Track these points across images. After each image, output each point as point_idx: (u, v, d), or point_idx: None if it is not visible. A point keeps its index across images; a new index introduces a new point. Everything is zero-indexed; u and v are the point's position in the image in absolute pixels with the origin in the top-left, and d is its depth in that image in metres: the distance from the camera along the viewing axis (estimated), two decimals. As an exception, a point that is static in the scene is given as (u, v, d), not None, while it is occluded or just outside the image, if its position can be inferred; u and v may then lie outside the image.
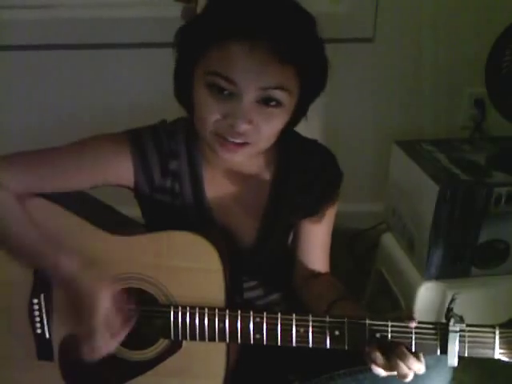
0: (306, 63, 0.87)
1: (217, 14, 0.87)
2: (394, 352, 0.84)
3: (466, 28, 1.80)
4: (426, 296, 1.42)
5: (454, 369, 0.98)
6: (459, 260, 1.41)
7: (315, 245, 1.09)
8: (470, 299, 1.37)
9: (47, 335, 0.97)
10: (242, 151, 0.90)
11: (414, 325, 0.85)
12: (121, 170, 0.99)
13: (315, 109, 1.95)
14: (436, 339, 0.85)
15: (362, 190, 1.98)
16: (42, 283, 0.96)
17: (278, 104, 0.87)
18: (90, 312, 0.87)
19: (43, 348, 0.98)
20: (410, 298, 1.46)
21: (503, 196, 1.33)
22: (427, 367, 0.94)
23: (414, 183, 1.45)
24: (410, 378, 0.84)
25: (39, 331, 0.97)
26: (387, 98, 1.89)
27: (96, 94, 1.79)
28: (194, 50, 0.88)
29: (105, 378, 0.97)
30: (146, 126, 1.02)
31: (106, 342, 0.88)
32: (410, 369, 0.83)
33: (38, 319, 0.97)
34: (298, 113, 0.96)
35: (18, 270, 0.96)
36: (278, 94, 0.86)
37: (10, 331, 0.99)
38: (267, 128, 0.89)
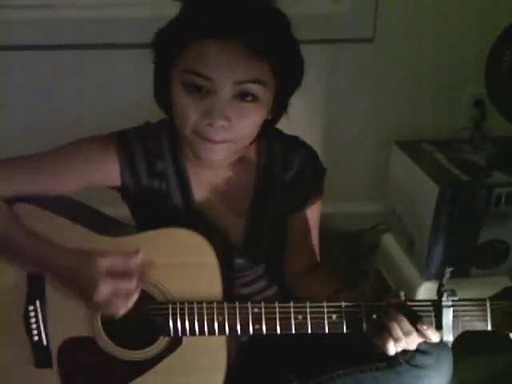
0: (281, 60, 0.89)
1: (192, 14, 0.88)
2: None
3: (466, 28, 1.80)
4: (426, 296, 1.42)
5: (455, 369, 0.99)
6: (459, 260, 1.41)
7: (303, 239, 1.10)
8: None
9: (45, 342, 0.96)
10: (221, 149, 0.92)
11: (401, 298, 0.88)
12: (107, 172, 1.00)
13: (315, 109, 1.96)
14: (430, 315, 0.88)
15: (362, 190, 1.98)
16: (37, 289, 0.96)
17: (254, 98, 0.89)
18: (93, 288, 0.86)
19: (41, 355, 0.97)
20: (410, 298, 1.45)
21: (503, 196, 1.33)
22: (427, 367, 0.95)
23: (414, 184, 1.45)
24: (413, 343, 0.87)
25: (36, 338, 0.96)
26: (387, 98, 1.89)
27: (96, 94, 1.79)
28: (171, 50, 0.90)
29: (106, 380, 0.97)
30: (131, 128, 1.03)
31: (124, 301, 0.88)
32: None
33: (34, 326, 0.96)
34: (277, 109, 0.97)
35: (11, 278, 0.96)
36: (254, 88, 0.88)
37: (7, 340, 0.97)
38: (244, 124, 0.90)
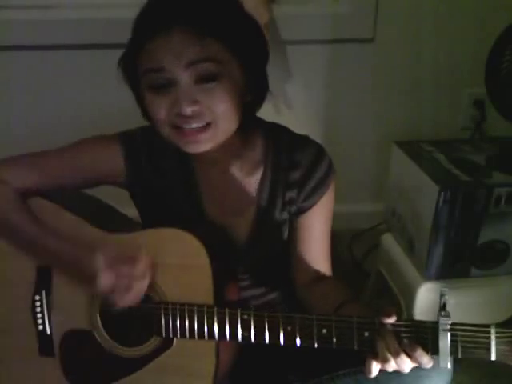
0: (227, 35, 0.89)
1: (136, 23, 0.93)
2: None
3: (466, 28, 1.80)
4: (426, 296, 1.42)
5: (454, 369, 0.98)
6: (459, 260, 1.41)
7: (314, 243, 1.08)
8: (469, 300, 1.38)
9: (48, 331, 0.99)
10: (203, 137, 0.91)
11: (391, 321, 0.83)
12: (113, 171, 1.02)
13: (315, 108, 1.96)
14: (426, 339, 0.82)
15: (362, 190, 1.98)
16: (44, 280, 0.98)
17: (216, 78, 0.89)
18: (94, 278, 0.88)
19: (44, 344, 0.99)
20: (410, 298, 1.46)
21: (503, 196, 1.33)
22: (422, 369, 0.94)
23: (414, 184, 1.45)
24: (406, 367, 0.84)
25: (41, 327, 0.99)
26: (387, 98, 1.89)
27: (96, 94, 1.79)
28: (131, 64, 0.93)
29: (103, 374, 0.98)
30: (141, 127, 1.04)
31: (126, 292, 0.89)
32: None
33: (39, 315, 0.99)
34: (256, 88, 0.96)
35: (21, 268, 0.99)
36: (210, 67, 0.88)
37: (12, 327, 1.00)
38: (217, 104, 0.90)
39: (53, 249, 0.94)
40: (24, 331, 0.99)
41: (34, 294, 0.98)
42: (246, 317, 0.89)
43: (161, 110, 0.91)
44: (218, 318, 0.90)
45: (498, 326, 0.80)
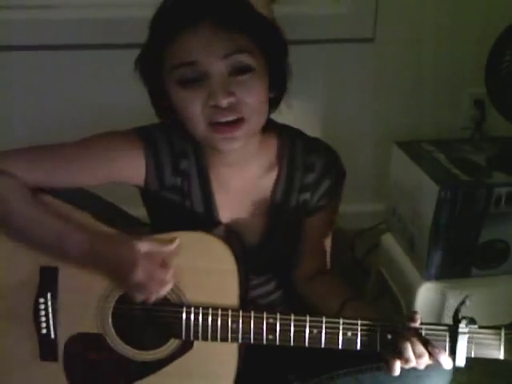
0: (256, 31, 0.90)
1: (161, 20, 0.91)
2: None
3: (466, 28, 1.80)
4: (426, 296, 1.42)
5: (454, 369, 0.98)
6: (459, 260, 1.41)
7: (317, 241, 1.09)
8: (470, 299, 1.37)
9: (52, 335, 0.96)
10: (238, 132, 0.90)
11: (417, 324, 0.87)
12: (133, 169, 0.99)
13: (315, 108, 1.95)
14: (445, 340, 0.87)
15: (362, 190, 1.98)
16: (49, 282, 0.95)
17: (249, 69, 0.89)
18: (132, 267, 0.87)
19: (48, 348, 0.97)
20: (410, 298, 1.46)
21: (503, 196, 1.33)
22: (427, 367, 0.95)
23: (414, 183, 1.45)
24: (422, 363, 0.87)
25: (44, 331, 0.96)
26: (387, 98, 1.89)
27: (96, 94, 1.79)
28: (155, 59, 0.92)
29: (112, 378, 0.97)
30: (157, 124, 1.02)
31: (158, 287, 0.89)
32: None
33: (43, 319, 0.96)
34: (278, 86, 0.97)
35: (23, 269, 0.96)
36: (244, 58, 0.88)
37: (13, 331, 0.97)
38: (251, 97, 0.90)
39: (80, 240, 0.90)
40: (25, 335, 0.96)
41: (38, 297, 0.95)
42: (271, 320, 0.89)
43: (195, 104, 0.89)
44: (242, 322, 0.90)
45: (507, 327, 0.87)
